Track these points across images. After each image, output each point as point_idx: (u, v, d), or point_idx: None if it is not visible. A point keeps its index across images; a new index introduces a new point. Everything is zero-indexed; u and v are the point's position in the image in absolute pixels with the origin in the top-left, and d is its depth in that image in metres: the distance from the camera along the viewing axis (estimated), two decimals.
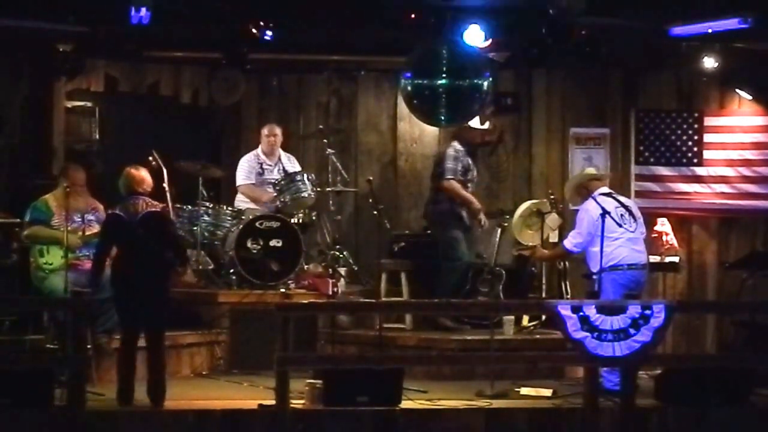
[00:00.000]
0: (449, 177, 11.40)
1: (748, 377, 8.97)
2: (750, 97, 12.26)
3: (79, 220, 10.04)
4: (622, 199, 10.17)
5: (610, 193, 10.14)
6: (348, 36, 11.85)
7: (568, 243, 10.04)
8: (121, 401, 8.85)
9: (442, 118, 11.51)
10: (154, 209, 9.18)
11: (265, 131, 12.03)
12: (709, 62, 11.73)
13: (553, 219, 11.16)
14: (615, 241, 9.79)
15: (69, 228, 9.79)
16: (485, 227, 11.50)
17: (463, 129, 11.65)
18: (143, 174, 9.34)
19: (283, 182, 11.68)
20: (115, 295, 9.16)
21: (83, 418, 8.33)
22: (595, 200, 9.88)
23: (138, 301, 9.00)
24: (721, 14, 10.77)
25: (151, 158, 10.98)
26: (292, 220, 11.50)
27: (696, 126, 12.40)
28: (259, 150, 12.01)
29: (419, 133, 12.97)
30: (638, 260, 9.90)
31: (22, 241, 10.24)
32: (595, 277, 9.81)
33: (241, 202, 11.99)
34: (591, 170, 10.62)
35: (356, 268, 11.94)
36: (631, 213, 10.00)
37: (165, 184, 11.00)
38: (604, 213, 9.70)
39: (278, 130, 12.05)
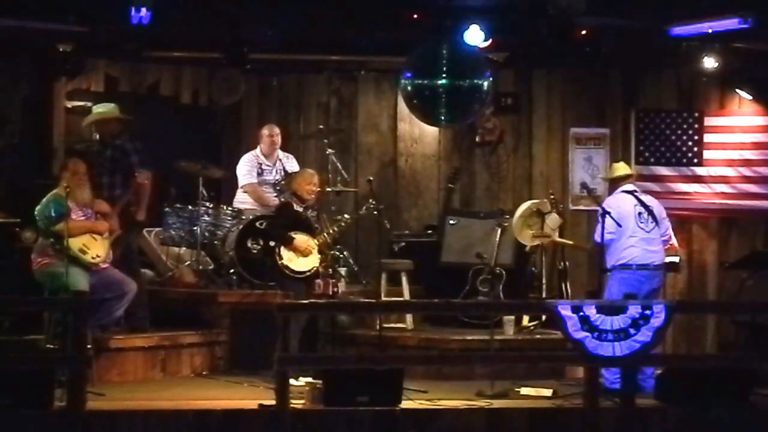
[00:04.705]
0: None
1: (748, 377, 8.97)
2: (750, 97, 12.25)
3: (90, 213, 10.00)
4: (645, 197, 10.12)
5: (633, 191, 10.12)
6: (348, 36, 11.85)
7: (595, 236, 10.05)
8: None
9: (442, 118, 11.53)
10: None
11: (265, 131, 12.01)
12: (709, 62, 11.72)
13: (553, 219, 11.16)
14: (629, 239, 9.80)
15: (83, 221, 9.83)
16: None
17: None
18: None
19: (282, 182, 11.68)
20: None
21: (83, 418, 8.33)
22: (608, 203, 9.95)
23: None
24: (721, 14, 10.77)
25: None
26: None
27: (696, 126, 12.39)
28: (258, 150, 12.01)
29: (419, 133, 12.98)
30: (650, 261, 9.87)
31: (25, 240, 10.24)
32: (609, 273, 9.85)
33: (240, 202, 11.99)
34: (620, 167, 10.46)
35: (356, 268, 11.94)
36: (651, 213, 9.98)
37: None
38: (604, 213, 9.75)
39: (278, 130, 12.05)
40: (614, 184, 10.30)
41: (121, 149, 10.59)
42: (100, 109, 10.81)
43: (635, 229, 9.86)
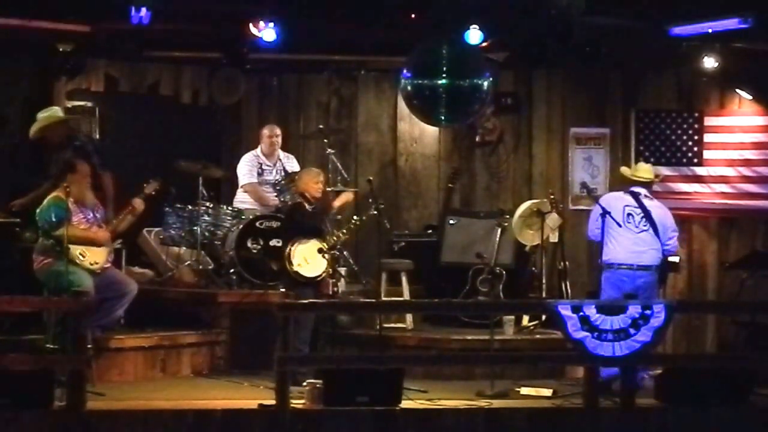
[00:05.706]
0: None
1: (748, 377, 8.98)
2: (750, 97, 12.25)
3: (91, 216, 10.00)
4: (647, 201, 10.02)
5: (635, 192, 10.07)
6: (348, 36, 11.85)
7: (589, 232, 10.12)
8: None
9: (442, 118, 11.53)
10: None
11: (266, 131, 12.01)
12: (709, 62, 11.71)
13: (553, 219, 11.16)
14: (612, 239, 9.81)
15: (84, 224, 9.84)
16: None
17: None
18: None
19: (283, 182, 11.69)
20: None
21: (83, 418, 8.33)
22: (599, 200, 9.96)
23: None
24: (721, 14, 10.77)
25: None
26: None
27: (696, 126, 12.39)
28: (258, 150, 12.01)
29: (419, 133, 12.98)
30: (634, 261, 9.86)
31: (25, 240, 10.23)
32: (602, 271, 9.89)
33: (240, 202, 11.99)
34: (644, 171, 10.31)
35: (356, 268, 11.94)
36: (647, 216, 9.91)
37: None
38: (604, 213, 9.76)
39: (278, 130, 12.05)
40: (628, 182, 10.24)
41: (82, 150, 10.56)
42: (44, 114, 10.78)
43: (620, 229, 9.86)
